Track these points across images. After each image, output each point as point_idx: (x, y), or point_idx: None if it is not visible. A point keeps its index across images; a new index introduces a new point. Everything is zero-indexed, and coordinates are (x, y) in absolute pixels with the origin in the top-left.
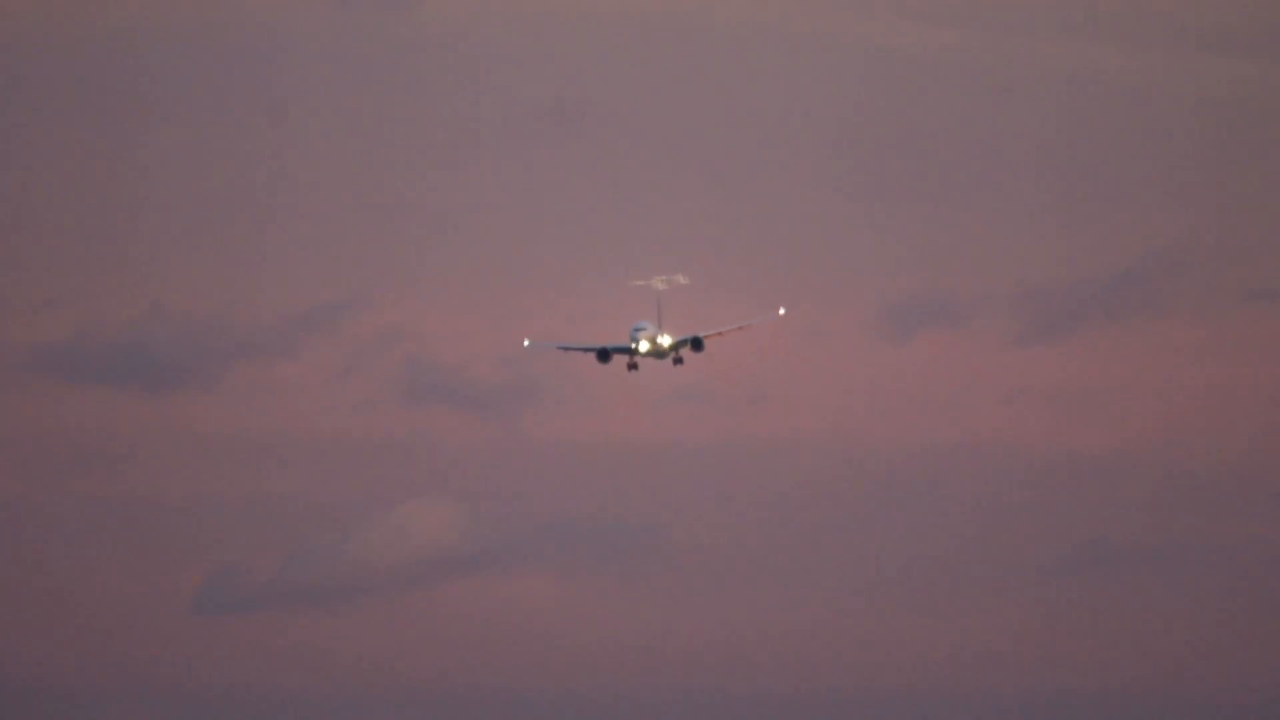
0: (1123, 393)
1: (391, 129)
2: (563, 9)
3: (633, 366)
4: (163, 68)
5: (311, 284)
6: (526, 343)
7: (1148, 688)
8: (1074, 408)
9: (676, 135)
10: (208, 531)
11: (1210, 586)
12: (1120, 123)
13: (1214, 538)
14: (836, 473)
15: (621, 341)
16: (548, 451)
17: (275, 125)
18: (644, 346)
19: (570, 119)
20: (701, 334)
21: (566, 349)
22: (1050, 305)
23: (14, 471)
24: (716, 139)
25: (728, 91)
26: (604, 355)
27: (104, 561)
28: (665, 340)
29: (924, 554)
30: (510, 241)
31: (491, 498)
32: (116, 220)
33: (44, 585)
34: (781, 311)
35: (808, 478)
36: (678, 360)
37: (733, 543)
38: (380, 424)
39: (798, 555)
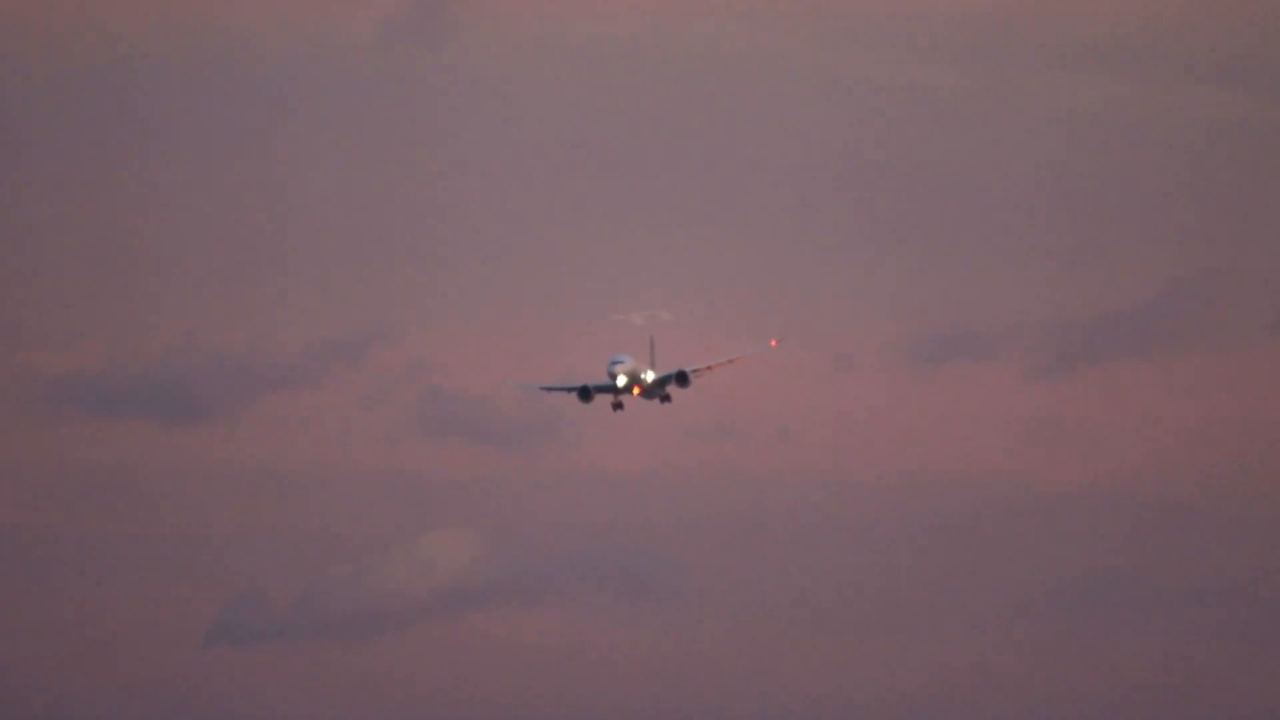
0: (1144, 425)
1: (419, 163)
2: (574, 49)
3: (618, 406)
4: (196, 103)
5: (335, 317)
6: (508, 381)
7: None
8: (1094, 440)
9: (710, 171)
10: (226, 562)
11: (1233, 619)
12: (1141, 156)
13: (1240, 572)
14: (855, 505)
15: (604, 380)
16: (566, 484)
17: (304, 160)
18: (622, 381)
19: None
20: (688, 368)
21: (548, 389)
22: (1071, 339)
23: (37, 501)
24: (748, 176)
25: (749, 127)
26: (585, 394)
27: (124, 591)
28: (649, 375)
29: (941, 586)
30: (534, 276)
31: (510, 529)
32: (146, 254)
33: (64, 613)
34: (774, 344)
35: (828, 510)
36: (665, 399)
37: (752, 574)
38: (400, 456)
39: (816, 586)
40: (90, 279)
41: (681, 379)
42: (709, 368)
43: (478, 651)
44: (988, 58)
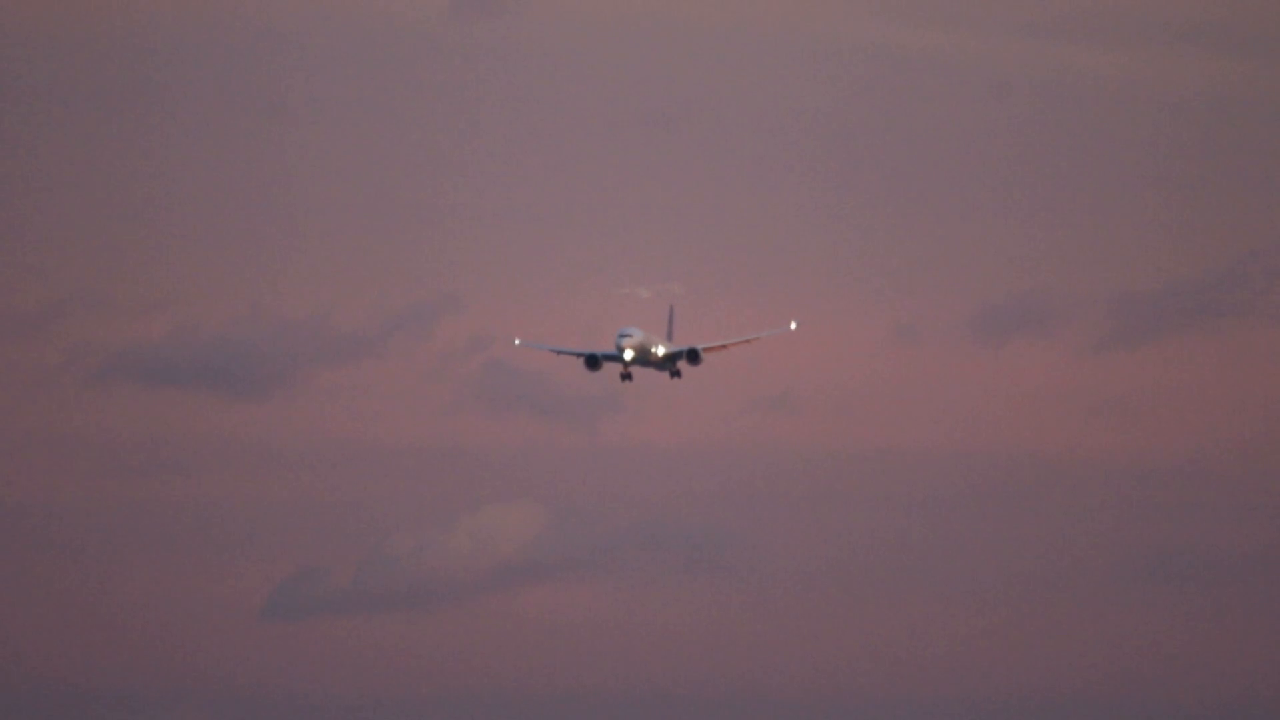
0: (1209, 399)
1: (487, 135)
2: (633, 20)
3: (626, 376)
4: (264, 71)
5: (399, 289)
6: (518, 341)
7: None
8: (1161, 415)
9: (769, 143)
10: (286, 535)
11: None
12: (1214, 126)
13: None
14: (912, 477)
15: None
16: (627, 457)
17: (370, 131)
18: (629, 354)
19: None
20: (700, 346)
21: (559, 352)
22: (1138, 311)
23: (100, 472)
24: (793, 148)
25: (797, 100)
26: (593, 361)
27: (184, 562)
28: (659, 349)
29: (1003, 559)
30: (596, 246)
31: (571, 503)
32: (210, 224)
33: (124, 585)
34: (793, 325)
35: (885, 483)
36: (675, 373)
37: (808, 546)
38: (461, 429)
39: (875, 559)
40: (154, 250)
41: (693, 356)
42: (723, 346)
43: (536, 625)
44: (1040, 30)
